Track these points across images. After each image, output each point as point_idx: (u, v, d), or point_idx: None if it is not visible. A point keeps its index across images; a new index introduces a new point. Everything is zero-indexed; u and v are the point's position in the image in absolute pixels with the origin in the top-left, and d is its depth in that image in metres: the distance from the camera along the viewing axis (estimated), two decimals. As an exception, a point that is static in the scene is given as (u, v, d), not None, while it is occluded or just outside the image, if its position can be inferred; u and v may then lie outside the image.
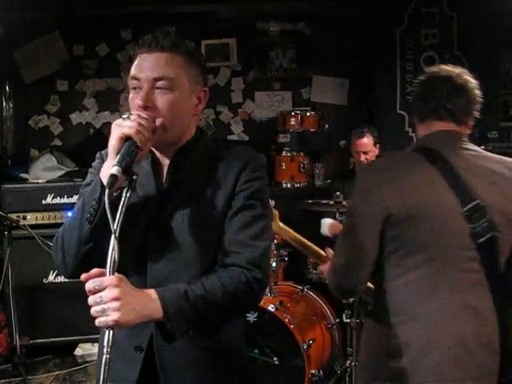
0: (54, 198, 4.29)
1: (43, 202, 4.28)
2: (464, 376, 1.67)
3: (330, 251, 2.33)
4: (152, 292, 1.33)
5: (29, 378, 3.84)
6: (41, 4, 4.75)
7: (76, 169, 4.66)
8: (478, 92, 1.88)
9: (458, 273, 1.71)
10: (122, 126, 1.36)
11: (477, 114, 1.91)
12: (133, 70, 1.48)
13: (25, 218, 4.21)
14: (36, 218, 4.25)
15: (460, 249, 1.71)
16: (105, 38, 5.25)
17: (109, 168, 1.32)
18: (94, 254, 1.28)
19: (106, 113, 5.34)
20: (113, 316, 1.20)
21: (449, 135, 1.85)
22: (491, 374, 1.71)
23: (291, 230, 2.48)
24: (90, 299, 1.22)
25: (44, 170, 4.62)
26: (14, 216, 4.09)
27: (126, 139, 1.34)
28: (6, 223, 3.99)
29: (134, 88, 1.48)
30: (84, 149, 5.05)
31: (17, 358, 3.85)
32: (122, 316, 1.21)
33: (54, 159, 4.68)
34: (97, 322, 1.21)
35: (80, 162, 4.77)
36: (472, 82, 1.88)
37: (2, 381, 3.90)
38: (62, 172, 4.61)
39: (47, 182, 4.46)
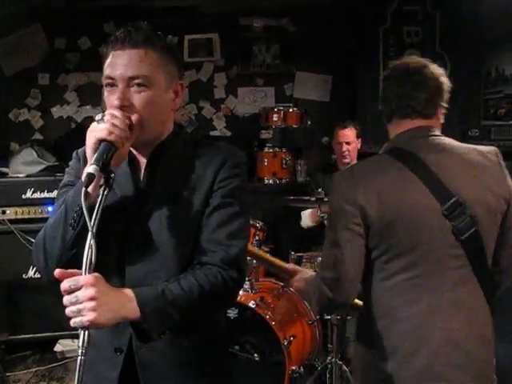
0: (34, 192, 4.24)
1: (23, 196, 4.23)
2: (456, 371, 1.68)
3: (292, 266, 2.35)
4: (129, 291, 1.32)
5: (7, 374, 3.81)
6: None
7: (57, 163, 4.61)
8: (443, 80, 1.84)
9: (444, 271, 1.70)
10: (94, 131, 1.35)
11: (445, 103, 1.86)
12: (106, 69, 1.45)
13: (4, 213, 4.16)
14: (16, 213, 4.20)
15: (444, 248, 1.70)
16: (87, 31, 5.19)
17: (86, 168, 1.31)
18: (78, 259, 1.25)
19: (88, 107, 5.29)
20: (88, 316, 1.18)
21: (418, 132, 1.81)
22: (486, 365, 1.73)
23: (256, 249, 2.46)
24: (65, 299, 1.20)
25: (24, 164, 4.57)
26: (-7, 210, 4.04)
27: (100, 143, 1.33)
28: (-16, 218, 3.94)
29: (109, 85, 1.45)
30: (65, 143, 5.00)
31: (-5, 354, 3.81)
32: (98, 316, 1.19)
33: (35, 153, 4.62)
34: (72, 322, 1.19)
35: (61, 156, 4.71)
36: (436, 71, 1.83)
37: (-19, 377, 3.87)
38: (43, 166, 4.55)
39: (27, 176, 4.41)
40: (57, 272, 1.22)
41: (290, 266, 2.37)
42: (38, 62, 5.21)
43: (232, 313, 3.29)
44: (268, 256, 2.51)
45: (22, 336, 4.18)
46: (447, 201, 1.69)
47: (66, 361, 4.11)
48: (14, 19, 5.04)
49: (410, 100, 1.81)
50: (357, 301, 1.98)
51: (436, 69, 1.85)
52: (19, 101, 5.26)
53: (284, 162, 4.83)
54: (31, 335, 4.19)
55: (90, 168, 1.27)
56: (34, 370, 4.02)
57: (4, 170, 4.65)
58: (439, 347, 1.68)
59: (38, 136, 5.29)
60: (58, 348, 4.24)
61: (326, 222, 3.39)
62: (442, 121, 1.88)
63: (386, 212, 1.70)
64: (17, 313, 4.18)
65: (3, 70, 5.16)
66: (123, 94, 1.42)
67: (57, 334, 4.16)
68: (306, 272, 2.27)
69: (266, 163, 4.83)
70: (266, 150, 4.87)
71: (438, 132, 1.84)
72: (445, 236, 1.70)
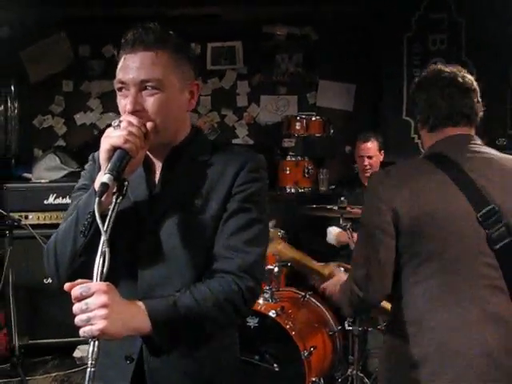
0: (56, 198, 4.28)
1: (45, 201, 4.26)
2: None
3: (331, 267, 2.30)
4: (140, 303, 1.28)
5: (27, 378, 3.82)
6: (48, 4, 4.75)
7: (79, 169, 4.63)
8: (477, 87, 1.86)
9: (477, 280, 1.67)
10: (110, 137, 1.32)
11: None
12: (118, 73, 1.42)
13: (26, 218, 4.19)
14: (38, 218, 4.23)
15: (477, 255, 1.67)
16: (111, 39, 5.21)
17: (100, 177, 1.29)
18: (89, 266, 1.21)
19: (111, 114, 5.30)
20: (99, 325, 1.14)
21: (459, 139, 1.81)
22: None
23: (291, 250, 2.41)
24: (75, 307, 1.16)
25: (47, 170, 4.61)
26: (15, 215, 4.08)
27: (114, 150, 1.30)
28: (7, 222, 3.97)
29: (121, 89, 1.42)
30: (87, 150, 4.91)
31: (15, 358, 3.82)
32: (108, 325, 1.14)
33: (58, 159, 4.66)
34: (81, 332, 1.14)
35: (83, 162, 4.64)
36: (471, 78, 1.86)
37: (1, 381, 3.87)
38: (65, 172, 4.59)
39: (50, 182, 4.45)
40: (66, 286, 1.18)
41: (328, 269, 2.33)
42: (63, 69, 5.26)
43: (252, 322, 3.25)
44: (305, 257, 2.43)
45: (42, 341, 4.20)
46: (483, 208, 1.67)
47: (85, 366, 4.07)
48: (40, 27, 5.12)
49: (464, 108, 1.81)
50: (387, 304, 1.95)
51: (469, 76, 1.86)
52: (43, 107, 5.32)
53: (306, 170, 4.79)
54: (51, 340, 4.20)
55: (105, 177, 1.25)
56: (53, 374, 4.02)
57: (27, 175, 4.69)
58: (472, 359, 1.63)
59: (60, 142, 5.33)
60: (77, 354, 4.24)
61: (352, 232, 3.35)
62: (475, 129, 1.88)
63: (418, 215, 1.69)
64: (37, 318, 4.20)
65: (29, 77, 5.22)
66: (135, 98, 1.38)
67: (76, 339, 4.15)
68: (342, 276, 2.24)
69: (288, 172, 4.79)
70: (288, 158, 4.83)
71: (478, 140, 1.83)
72: (478, 243, 1.67)
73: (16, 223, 3.96)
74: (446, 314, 1.67)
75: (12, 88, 5.16)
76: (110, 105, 5.30)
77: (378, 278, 1.75)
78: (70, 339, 4.16)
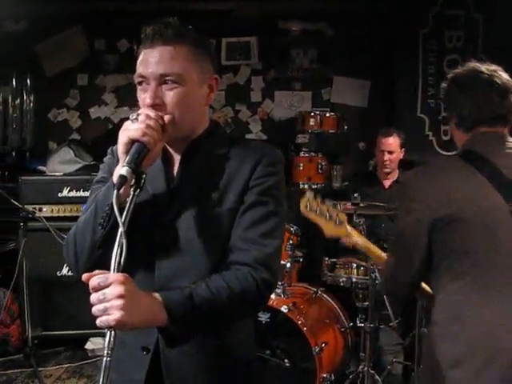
0: (70, 191, 4.30)
1: (59, 194, 4.29)
2: None
3: None
4: (156, 295, 1.29)
5: (39, 369, 3.83)
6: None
7: (93, 163, 4.66)
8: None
9: None
10: (128, 130, 1.33)
11: None
12: (138, 67, 1.43)
13: (41, 210, 4.22)
14: (52, 211, 4.26)
15: None
16: (125, 33, 5.25)
17: (119, 169, 1.30)
18: (108, 258, 1.22)
19: (125, 108, 5.33)
20: (115, 315, 1.14)
21: (494, 137, 1.81)
22: None
23: (361, 236, 2.40)
24: (93, 296, 1.16)
25: (61, 163, 4.64)
26: (30, 208, 4.10)
27: (132, 143, 1.31)
28: (22, 214, 3.98)
29: (141, 83, 1.43)
30: (101, 143, 5.05)
31: (28, 349, 3.84)
32: (125, 316, 1.14)
33: (72, 153, 4.70)
34: (98, 321, 1.15)
35: (97, 156, 4.76)
36: (508, 77, 1.84)
37: (14, 370, 3.93)
38: (79, 165, 4.62)
39: (64, 175, 4.49)
40: (84, 276, 1.19)
41: None
42: (78, 63, 5.29)
43: (264, 317, 3.25)
44: (373, 247, 2.41)
45: (55, 332, 4.24)
46: None
47: (97, 359, 4.12)
48: (56, 22, 5.16)
49: (502, 109, 1.80)
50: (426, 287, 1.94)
51: (506, 76, 1.84)
52: (58, 101, 5.37)
53: (320, 166, 4.77)
54: (63, 332, 4.24)
55: (123, 170, 1.26)
56: (65, 366, 4.06)
57: (42, 168, 4.73)
58: None
59: (75, 136, 5.37)
60: (89, 346, 4.28)
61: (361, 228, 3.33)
62: None
63: (452, 212, 1.69)
64: (50, 309, 4.23)
65: (44, 71, 5.26)
66: (155, 92, 1.39)
67: (88, 331, 4.18)
68: None
69: (301, 168, 4.78)
70: (301, 154, 4.82)
71: (510, 138, 1.84)
72: None
73: (30, 215, 3.98)
74: (486, 310, 1.66)
75: (28, 81, 5.22)
76: (124, 99, 5.33)
77: (402, 270, 1.79)
78: (82, 331, 4.19)
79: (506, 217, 1.67)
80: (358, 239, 2.35)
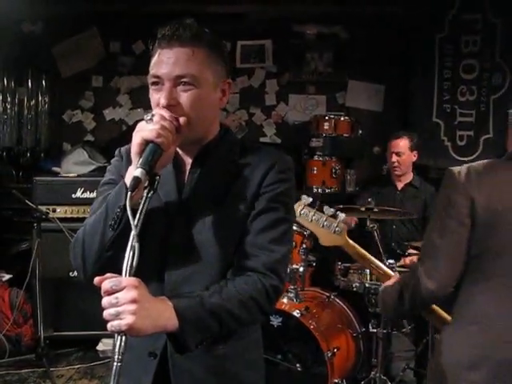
0: (83, 192, 4.31)
1: (73, 195, 4.29)
2: None
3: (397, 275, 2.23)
4: (167, 300, 1.28)
5: (51, 369, 3.85)
6: (80, 1, 4.81)
7: (107, 164, 4.63)
8: None
9: None
10: (142, 131, 1.31)
11: None
12: (152, 67, 1.41)
13: (54, 211, 4.23)
14: (65, 212, 4.27)
15: None
16: (141, 35, 5.26)
17: (132, 170, 1.28)
18: (116, 261, 1.21)
19: (139, 110, 5.35)
20: (127, 320, 1.13)
21: None
22: None
23: (358, 247, 2.36)
24: (105, 300, 1.15)
25: (75, 164, 4.66)
26: (44, 208, 4.11)
27: (146, 143, 1.29)
28: (35, 215, 4.00)
29: (155, 84, 1.41)
30: (115, 145, 4.93)
31: (40, 349, 3.86)
32: (136, 321, 1.13)
33: (86, 154, 4.71)
34: (109, 325, 1.14)
35: (111, 157, 4.73)
36: None
37: (26, 370, 3.94)
38: (93, 167, 4.64)
39: (78, 176, 4.50)
40: (96, 280, 1.18)
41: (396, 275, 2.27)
42: (94, 64, 5.31)
43: (276, 321, 3.23)
44: (373, 259, 2.37)
45: (67, 333, 4.24)
46: None
47: (108, 360, 4.12)
48: (72, 23, 5.19)
49: None
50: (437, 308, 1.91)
51: None
52: (73, 102, 5.40)
53: (333, 171, 4.76)
54: (75, 333, 4.25)
55: (137, 171, 1.24)
56: (76, 366, 4.06)
57: (56, 169, 4.75)
58: None
59: (89, 137, 5.40)
60: (100, 347, 4.28)
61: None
62: None
63: (495, 209, 1.68)
64: (62, 310, 4.24)
65: (60, 72, 5.29)
66: (170, 93, 1.38)
67: (100, 332, 4.18)
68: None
69: (315, 171, 4.77)
70: (315, 158, 4.82)
71: None
72: None
73: (44, 216, 4.00)
74: (506, 314, 1.64)
75: (43, 83, 5.26)
76: (138, 101, 5.35)
77: (449, 269, 1.73)
78: (93, 332, 4.19)
79: None
80: (358, 251, 2.30)
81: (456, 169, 1.81)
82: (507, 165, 1.77)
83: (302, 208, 2.27)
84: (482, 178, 1.73)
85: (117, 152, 1.60)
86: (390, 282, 2.02)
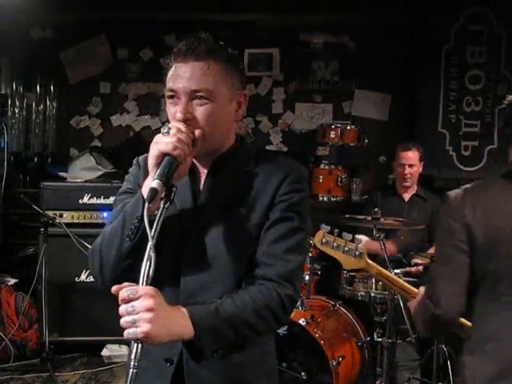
0: (90, 198, 4.33)
1: (80, 201, 4.32)
2: None
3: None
4: (183, 309, 1.30)
5: (56, 374, 3.86)
6: (88, 7, 4.83)
7: (114, 170, 4.70)
8: None
9: None
10: (159, 144, 1.33)
11: None
12: (169, 81, 1.43)
13: (61, 216, 4.25)
14: (72, 217, 4.29)
15: None
16: (149, 42, 5.31)
17: (149, 182, 1.30)
18: (133, 270, 1.24)
19: (147, 117, 5.38)
20: (143, 328, 1.15)
21: None
22: None
23: (379, 267, 2.39)
24: (122, 308, 1.17)
25: (82, 169, 4.67)
26: (50, 213, 4.13)
27: (163, 156, 1.32)
28: (42, 220, 4.03)
29: (171, 97, 1.43)
30: (123, 151, 5.10)
31: (45, 354, 3.87)
32: (152, 329, 1.16)
33: (93, 160, 4.72)
34: (125, 333, 1.16)
35: (118, 163, 4.80)
36: None
37: (30, 375, 3.95)
38: (100, 173, 4.65)
39: (85, 181, 4.51)
40: (114, 289, 1.21)
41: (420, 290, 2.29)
42: (101, 71, 5.34)
43: (281, 329, 3.24)
44: (395, 278, 2.41)
45: (72, 338, 4.25)
46: None
47: (113, 366, 4.13)
48: (80, 29, 5.22)
49: None
50: (465, 321, 1.92)
51: None
52: (81, 108, 5.42)
53: (339, 179, 4.77)
54: (80, 338, 4.26)
55: (154, 183, 1.27)
56: (81, 372, 4.07)
57: (63, 174, 4.77)
58: None
59: (96, 143, 5.42)
60: (105, 352, 4.28)
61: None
62: None
63: (491, 232, 1.68)
64: (67, 315, 4.25)
65: (67, 78, 5.32)
66: (186, 107, 1.40)
67: (104, 338, 4.21)
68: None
69: (321, 180, 4.78)
70: (321, 166, 4.83)
71: None
72: None
73: (51, 221, 4.02)
74: None
75: (51, 88, 5.29)
76: (146, 107, 5.39)
77: (452, 294, 1.74)
78: (98, 338, 4.22)
79: None
80: (380, 272, 2.33)
81: (452, 194, 1.81)
82: (502, 184, 1.76)
83: (322, 236, 2.30)
84: (477, 202, 1.73)
85: (134, 161, 1.62)
86: (416, 300, 2.03)
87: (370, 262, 2.30)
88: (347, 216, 3.69)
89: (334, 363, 3.16)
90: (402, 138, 4.62)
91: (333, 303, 3.68)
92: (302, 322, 3.25)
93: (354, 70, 5.28)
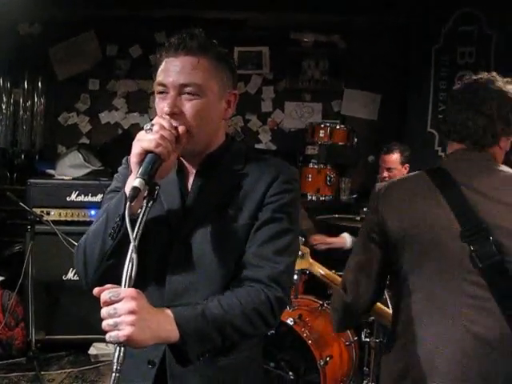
0: (78, 195, 4.30)
1: (67, 198, 4.28)
2: None
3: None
4: (167, 311, 1.27)
5: (42, 373, 3.83)
6: (77, 3, 4.80)
7: (102, 168, 4.67)
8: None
9: (461, 297, 1.61)
10: (141, 141, 1.31)
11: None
12: (159, 75, 1.43)
13: (48, 214, 4.22)
14: (59, 215, 4.25)
15: (460, 272, 1.61)
16: (138, 39, 5.28)
17: (132, 180, 1.29)
18: (117, 269, 1.21)
19: (135, 114, 5.36)
20: (125, 331, 1.12)
21: (464, 155, 1.72)
22: None
23: (320, 266, 2.44)
24: (103, 311, 1.15)
25: (70, 167, 4.64)
26: (38, 211, 4.10)
27: (146, 153, 1.30)
28: (29, 217, 3.99)
29: (161, 92, 1.43)
30: (111, 148, 5.07)
31: (31, 353, 3.84)
32: (135, 332, 1.13)
33: (81, 157, 4.70)
34: (107, 336, 1.13)
35: (106, 161, 4.78)
36: (504, 88, 1.71)
37: (16, 374, 3.90)
38: (88, 170, 4.62)
39: (73, 179, 4.48)
40: (95, 291, 1.18)
41: None
42: (90, 67, 5.31)
43: (269, 329, 3.23)
44: (332, 274, 2.46)
45: (58, 336, 4.22)
46: (468, 224, 1.60)
47: (99, 364, 4.11)
48: (69, 26, 5.18)
49: (464, 128, 1.70)
50: (382, 306, 1.95)
51: (504, 85, 1.72)
52: (69, 105, 5.38)
53: (328, 178, 4.78)
54: (67, 336, 4.23)
55: (136, 182, 1.24)
56: (67, 370, 4.03)
57: (51, 171, 4.73)
58: (448, 380, 1.59)
59: (84, 140, 5.38)
60: (92, 351, 4.25)
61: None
62: (507, 148, 1.76)
63: (402, 226, 1.69)
64: (54, 313, 4.22)
65: (56, 75, 5.28)
66: (174, 101, 1.39)
67: (91, 336, 4.17)
68: None
69: (309, 179, 4.79)
70: (310, 165, 4.84)
71: (491, 158, 1.71)
72: (461, 259, 1.61)
73: (38, 218, 3.98)
74: (427, 329, 1.64)
75: (39, 84, 5.24)
76: (135, 104, 5.37)
77: (362, 284, 1.77)
78: (85, 336, 4.18)
79: (453, 238, 1.61)
80: (320, 270, 2.39)
81: (378, 186, 1.84)
82: (424, 180, 1.73)
83: None
84: (396, 197, 1.74)
85: (124, 160, 1.60)
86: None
87: (312, 261, 2.34)
88: (337, 216, 3.69)
89: (322, 363, 3.15)
90: (391, 137, 4.61)
91: (321, 303, 3.67)
92: (289, 321, 3.24)
93: (344, 69, 5.30)
